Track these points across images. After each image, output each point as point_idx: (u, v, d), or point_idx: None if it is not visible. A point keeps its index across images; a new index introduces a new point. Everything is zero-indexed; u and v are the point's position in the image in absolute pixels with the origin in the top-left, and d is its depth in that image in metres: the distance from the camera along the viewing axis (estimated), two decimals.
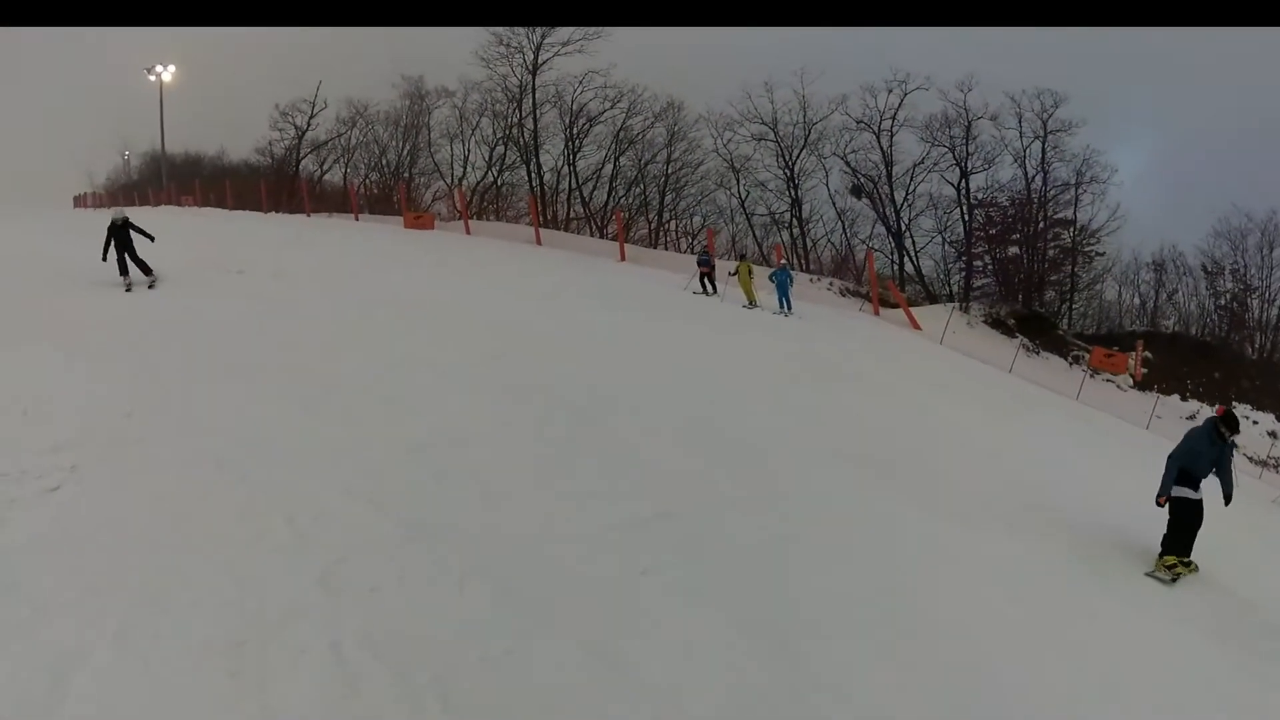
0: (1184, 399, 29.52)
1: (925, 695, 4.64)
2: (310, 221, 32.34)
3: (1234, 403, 28.01)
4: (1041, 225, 37.16)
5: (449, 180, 42.13)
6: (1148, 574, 7.74)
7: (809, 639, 4.97)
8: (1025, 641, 5.69)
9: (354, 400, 8.42)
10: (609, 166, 41.28)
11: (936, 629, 5.48)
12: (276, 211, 35.68)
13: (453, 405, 8.65)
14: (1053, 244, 37.39)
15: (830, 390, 13.34)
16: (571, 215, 41.32)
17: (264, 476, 6.23)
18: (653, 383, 11.20)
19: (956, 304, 32.43)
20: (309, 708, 3.72)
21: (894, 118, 38.88)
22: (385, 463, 6.84)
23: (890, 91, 38.61)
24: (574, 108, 40.63)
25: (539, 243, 31.07)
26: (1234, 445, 8.15)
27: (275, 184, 39.52)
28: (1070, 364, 29.54)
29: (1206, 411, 26.94)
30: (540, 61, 40.30)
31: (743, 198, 41.21)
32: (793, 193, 40.53)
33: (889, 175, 39.39)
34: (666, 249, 38.76)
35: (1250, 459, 23.47)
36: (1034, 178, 37.47)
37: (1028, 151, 37.45)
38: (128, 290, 13.09)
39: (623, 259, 29.90)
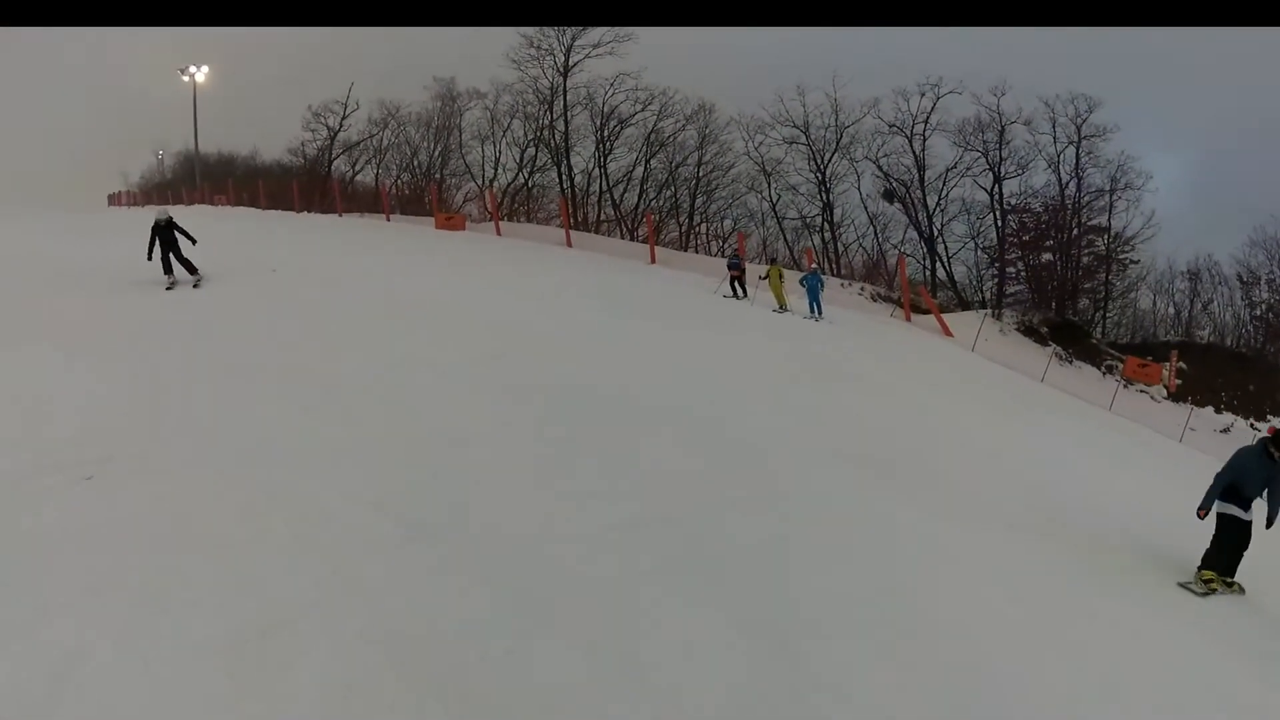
0: (1218, 411, 29.49)
1: (926, 695, 4.72)
2: (342, 221, 33.26)
3: (1269, 416, 27.99)
4: (1075, 232, 37.25)
5: (480, 182, 43.15)
6: (1181, 584, 7.78)
7: (809, 639, 5.05)
8: (1027, 641, 5.79)
9: (372, 401, 8.60)
10: (640, 169, 42.01)
11: (951, 637, 5.50)
12: (309, 211, 36.65)
13: (472, 406, 8.79)
14: (1087, 251, 37.39)
15: (861, 398, 13.35)
16: (602, 217, 42.13)
17: (286, 474, 6.47)
18: (679, 387, 11.23)
19: (989, 311, 32.56)
20: (311, 706, 3.85)
21: (927, 121, 39.35)
22: (418, 461, 7.07)
23: (923, 95, 39.13)
24: (605, 110, 41.49)
25: (569, 245, 31.54)
26: None
27: (308, 184, 40.59)
28: (1103, 373, 29.63)
29: (1241, 424, 27.35)
30: (571, 64, 41.21)
31: (774, 201, 41.73)
32: (824, 196, 40.97)
33: (921, 180, 39.71)
34: (697, 252, 39.29)
35: None
36: (1068, 183, 37.69)
37: (1061, 157, 37.72)
38: (168, 289, 13.51)
39: (653, 261, 30.13)
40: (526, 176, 42.60)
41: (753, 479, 8.11)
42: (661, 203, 42.02)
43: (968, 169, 39.02)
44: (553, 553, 5.68)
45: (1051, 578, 7.22)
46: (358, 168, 44.13)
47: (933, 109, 39.14)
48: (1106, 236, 37.19)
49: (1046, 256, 37.55)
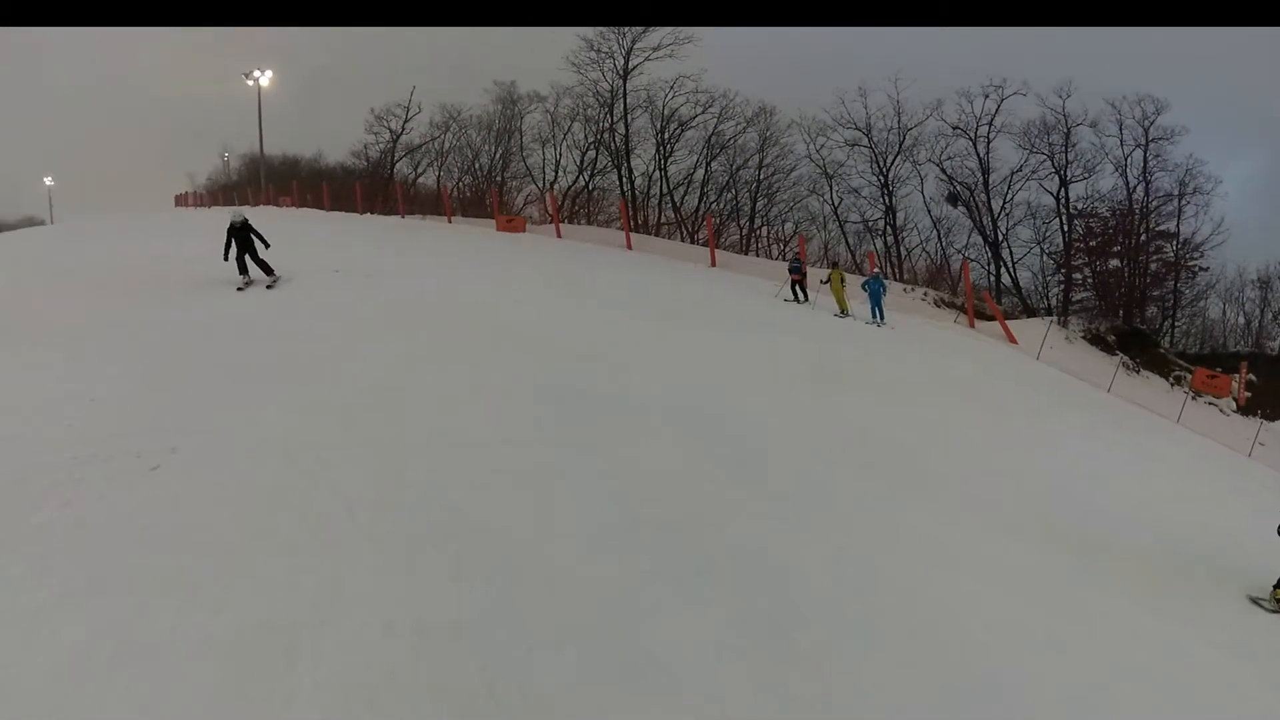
0: None
1: (926, 695, 4.83)
2: (405, 223, 34.53)
3: None
4: (1143, 238, 37.16)
5: (541, 184, 44.31)
6: (1251, 598, 7.98)
7: (810, 638, 5.15)
8: (1059, 656, 5.79)
9: (430, 400, 8.83)
10: (700, 171, 42.84)
11: (975, 650, 5.54)
12: (371, 213, 38.04)
13: (511, 410, 8.87)
14: (1155, 258, 37.26)
15: (922, 407, 13.18)
16: (662, 220, 42.96)
17: (335, 469, 6.78)
18: (744, 390, 11.27)
19: (1055, 318, 32.38)
20: (356, 689, 4.08)
21: (991, 123, 39.65)
22: (452, 459, 7.31)
23: (987, 97, 39.49)
24: (665, 112, 42.41)
25: (629, 247, 32.17)
26: None
27: (370, 186, 42.19)
28: (1171, 384, 29.35)
29: None
30: (631, 66, 42.26)
31: (836, 204, 42.26)
32: (887, 200, 41.38)
33: (986, 183, 39.87)
34: (758, 255, 39.87)
35: None
36: (1135, 188, 37.70)
37: (1129, 160, 37.77)
38: (239, 290, 14.08)
39: (713, 264, 30.65)
40: (587, 179, 43.76)
41: (806, 498, 8.01)
42: (722, 206, 42.82)
43: (1033, 172, 39.18)
44: (602, 557, 5.83)
45: (1095, 592, 7.24)
46: (420, 170, 45.70)
47: (997, 110, 39.45)
48: (1175, 243, 37.05)
49: (1114, 263, 37.46)
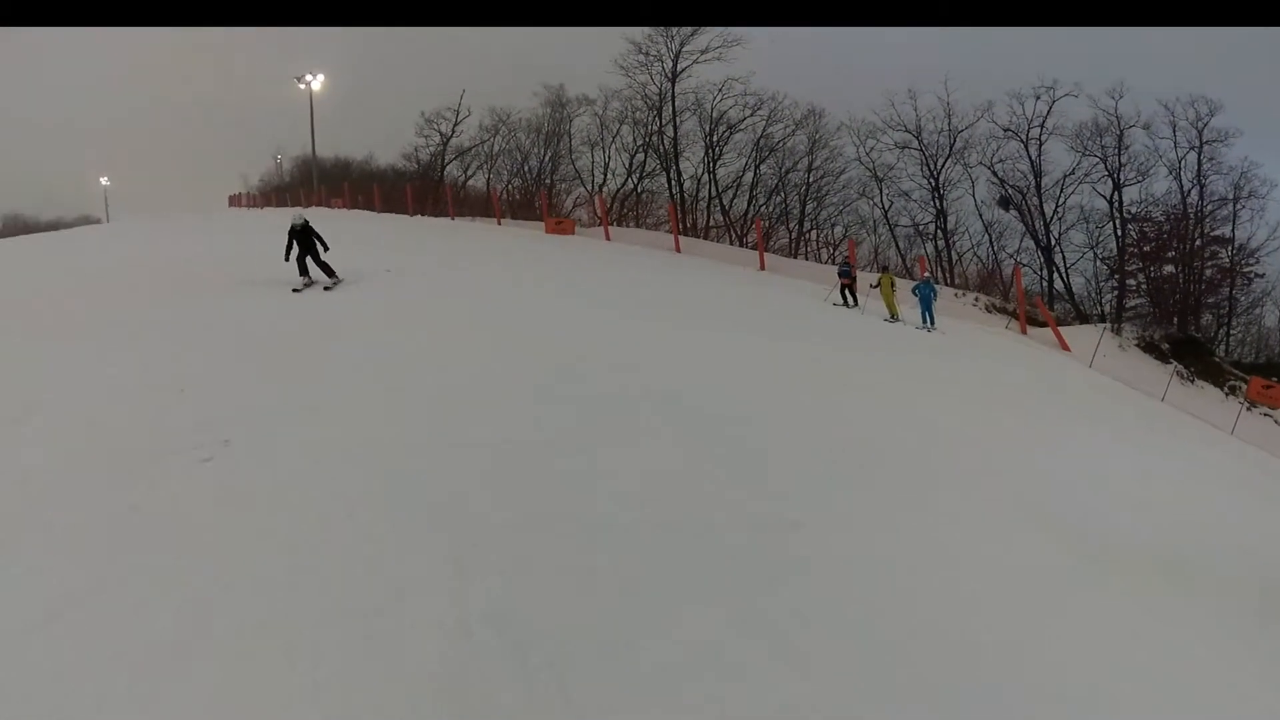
0: None
1: (928, 696, 4.82)
2: (454, 225, 35.23)
3: None
4: (1198, 243, 37.34)
5: (589, 187, 45.71)
6: None
7: (810, 638, 5.17)
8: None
9: (488, 400, 8.87)
10: (749, 174, 43.89)
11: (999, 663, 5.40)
12: (422, 214, 39.17)
13: (543, 414, 8.68)
14: (1210, 263, 37.40)
15: (974, 416, 12.89)
16: (711, 223, 43.85)
17: (403, 463, 6.93)
18: (787, 396, 11.10)
19: (1108, 325, 31.77)
20: (356, 689, 4.15)
21: (1043, 125, 40.21)
22: (516, 455, 7.36)
23: (1038, 98, 40.08)
24: (714, 115, 43.49)
25: (678, 250, 32.64)
26: None
27: (421, 188, 43.56)
28: (1226, 394, 28.87)
29: None
30: (679, 69, 43.36)
31: (886, 208, 43.13)
32: (937, 203, 42.07)
33: (1038, 186, 40.36)
34: (807, 259, 40.41)
35: None
36: (1189, 191, 37.97)
37: (1182, 163, 38.07)
38: (295, 291, 14.08)
39: (762, 268, 31.07)
40: (636, 182, 44.99)
41: (847, 508, 7.67)
42: (771, 209, 43.86)
43: (1086, 175, 39.68)
44: (553, 551, 5.84)
45: (1119, 598, 7.11)
46: (469, 173, 47.40)
47: (1048, 112, 40.04)
48: (1230, 248, 37.24)
49: (1168, 268, 37.75)
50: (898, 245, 42.82)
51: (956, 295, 33.51)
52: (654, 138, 44.21)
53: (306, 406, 8.20)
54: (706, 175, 44.02)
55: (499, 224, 36.79)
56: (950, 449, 10.40)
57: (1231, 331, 37.32)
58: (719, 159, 43.82)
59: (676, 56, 42.91)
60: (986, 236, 41.64)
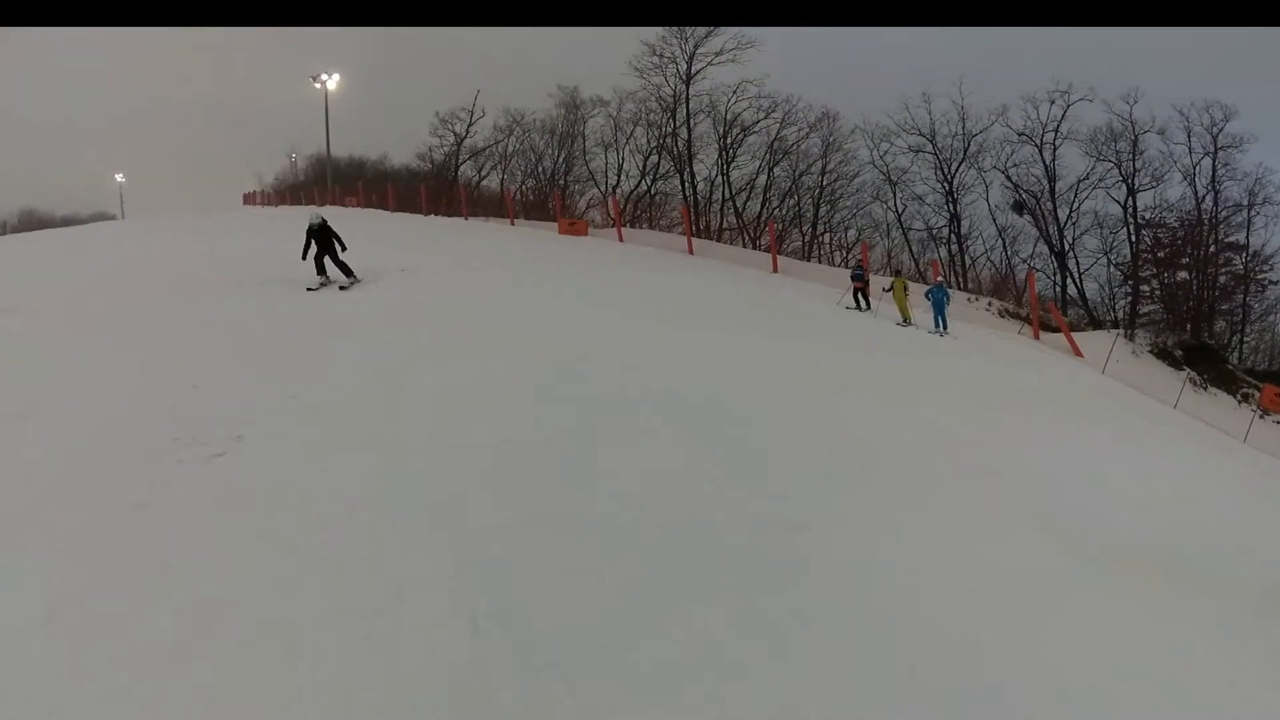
0: None
1: (928, 696, 4.83)
2: (468, 225, 35.21)
3: None
4: (1212, 249, 37.27)
5: (603, 188, 45.84)
6: None
7: (810, 638, 5.17)
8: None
9: (488, 399, 8.88)
10: (763, 177, 43.91)
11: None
12: (435, 214, 39.23)
13: (543, 414, 8.66)
14: (1224, 270, 37.35)
15: (987, 418, 12.89)
16: (724, 225, 43.94)
17: (403, 462, 6.95)
18: (786, 397, 11.00)
19: (1121, 331, 31.91)
20: (356, 689, 4.16)
21: (1057, 130, 40.18)
22: (516, 455, 7.37)
23: (1053, 103, 40.04)
24: (728, 117, 43.56)
25: (691, 252, 32.57)
26: None
27: (434, 188, 43.76)
28: (1239, 402, 28.71)
29: None
30: (693, 71, 43.47)
31: (899, 211, 43.11)
32: (951, 207, 42.02)
33: (1052, 191, 40.31)
34: (820, 262, 40.35)
35: None
36: (1204, 197, 37.87)
37: (1197, 169, 37.99)
38: (309, 290, 14.10)
39: (775, 270, 30.85)
40: (649, 183, 45.05)
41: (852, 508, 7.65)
42: (784, 211, 43.88)
43: (1100, 180, 39.59)
44: (554, 550, 5.84)
45: (1121, 598, 7.05)
46: (483, 173, 47.52)
47: (1063, 117, 40.01)
48: (1244, 254, 37.18)
49: (1182, 275, 37.65)
50: (911, 249, 42.86)
51: (970, 300, 33.56)
52: (668, 140, 44.30)
53: (307, 406, 8.26)
54: (720, 177, 44.09)
55: (512, 224, 36.76)
56: (952, 449, 10.42)
57: (1245, 339, 37.32)
58: (733, 161, 43.92)
59: (691, 59, 43.07)
60: (1000, 241, 41.60)
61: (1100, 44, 38.19)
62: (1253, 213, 36.93)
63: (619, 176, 45.55)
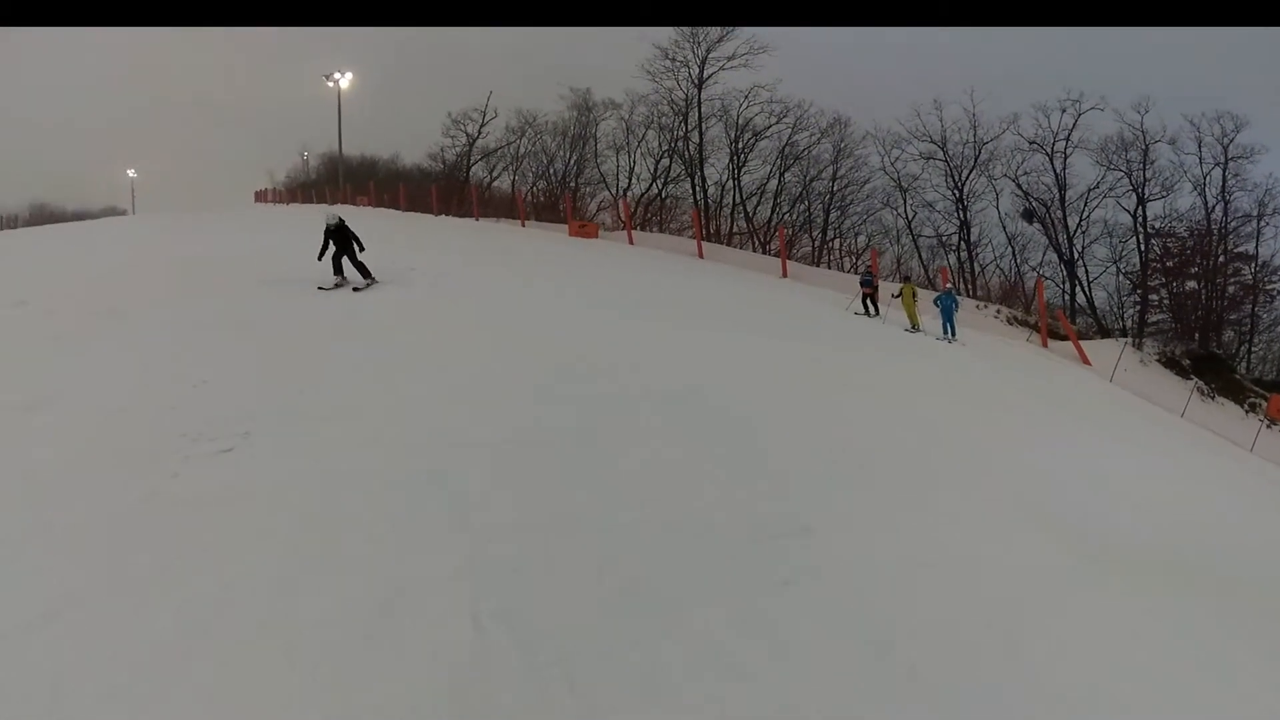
0: None
1: (928, 696, 4.80)
2: (479, 225, 35.09)
3: None
4: (1221, 259, 37.32)
5: (614, 191, 46.23)
6: None
7: (810, 638, 5.14)
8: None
9: (489, 399, 8.85)
10: (774, 182, 44.14)
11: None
12: (446, 214, 39.43)
13: (544, 415, 8.61)
14: (1233, 280, 37.44)
15: (991, 424, 12.81)
16: (734, 230, 44.18)
17: (425, 459, 6.99)
18: (788, 398, 10.95)
19: (1129, 339, 31.64)
20: (357, 689, 4.14)
21: (1068, 139, 40.34)
22: (517, 455, 7.35)
23: (1064, 111, 40.21)
24: (739, 122, 43.82)
25: (701, 256, 32.64)
26: None
27: (446, 188, 43.85)
28: (1246, 411, 28.68)
29: None
30: (706, 76, 43.68)
31: (909, 218, 43.28)
32: (961, 214, 42.19)
33: (1062, 199, 40.43)
34: (829, 268, 40.43)
35: None
36: (1214, 207, 38.05)
37: (1207, 179, 38.17)
38: (320, 289, 13.86)
39: (784, 275, 30.88)
40: (660, 187, 45.30)
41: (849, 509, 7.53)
42: (795, 217, 44.10)
43: (1110, 189, 39.73)
44: (554, 551, 5.80)
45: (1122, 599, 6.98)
46: (495, 174, 47.88)
47: (1074, 126, 40.14)
48: (1253, 265, 37.32)
49: (1191, 284, 37.70)
50: (920, 256, 43.00)
51: (978, 307, 33.58)
52: (679, 143, 44.52)
53: (314, 404, 8.25)
54: (731, 182, 44.34)
55: (523, 226, 36.91)
56: (953, 450, 10.44)
57: (1253, 349, 37.38)
58: (744, 166, 44.13)
59: (703, 63, 43.28)
60: (1010, 249, 41.78)
61: (1109, 48, 38.10)
62: (1262, 223, 37.12)
63: (630, 179, 46.01)
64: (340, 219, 14.76)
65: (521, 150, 46.84)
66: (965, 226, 41.77)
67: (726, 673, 4.67)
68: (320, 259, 14.49)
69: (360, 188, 45.38)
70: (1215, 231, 37.56)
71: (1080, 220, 40.09)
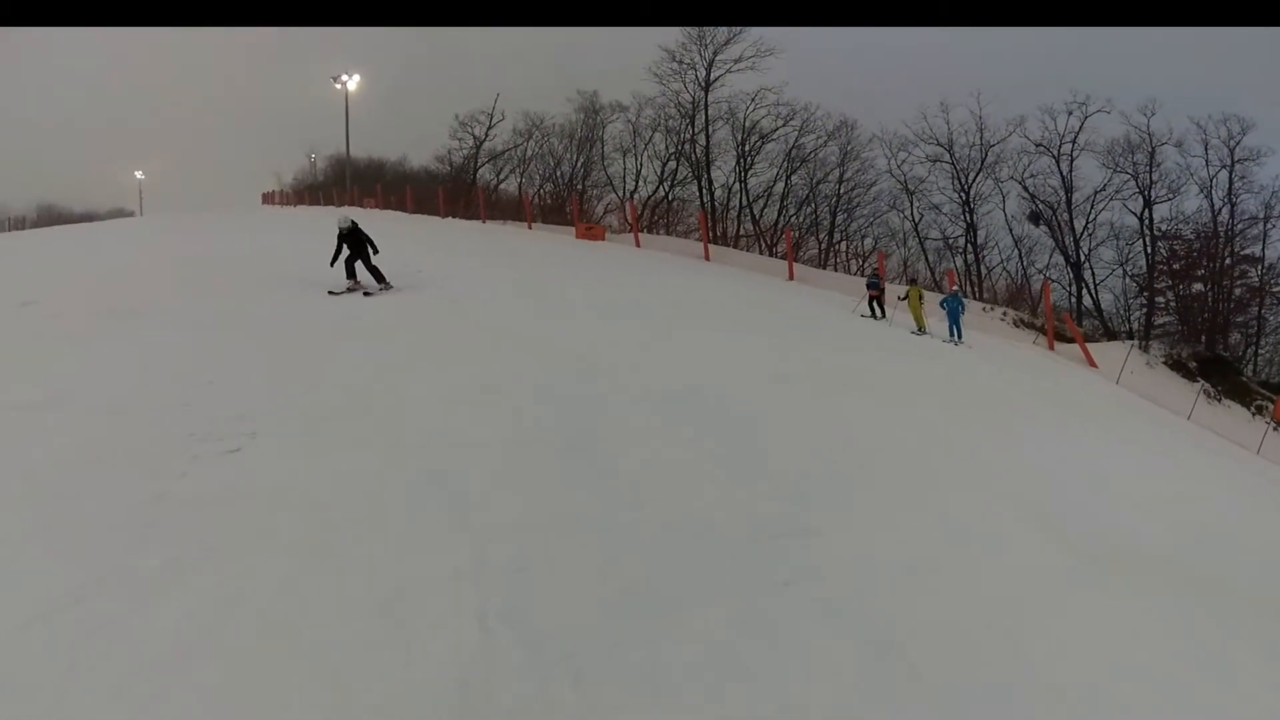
0: None
1: (928, 696, 4.78)
2: (486, 227, 35.12)
3: None
4: (1227, 261, 37.32)
5: (621, 193, 46.22)
6: None
7: (809, 637, 5.12)
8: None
9: (513, 400, 8.89)
10: (780, 184, 44.30)
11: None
12: (453, 217, 39.58)
13: (541, 414, 8.62)
14: (1239, 282, 37.42)
15: (997, 426, 12.77)
16: (741, 232, 44.27)
17: (428, 460, 6.99)
18: (789, 399, 10.90)
19: (1136, 342, 31.65)
20: (357, 689, 4.13)
21: (1074, 141, 40.40)
22: (517, 455, 7.36)
23: (1070, 114, 40.38)
24: (746, 125, 43.97)
25: (707, 258, 32.62)
26: None
27: (453, 190, 44.01)
28: (1253, 414, 28.56)
29: None
30: (713, 78, 43.79)
31: (916, 220, 43.49)
32: (968, 217, 42.29)
33: (1069, 202, 40.49)
34: (836, 270, 40.53)
35: None
36: (1220, 210, 38.02)
37: (1214, 181, 38.20)
38: (331, 293, 13.65)
39: (791, 278, 30.78)
40: (667, 189, 45.47)
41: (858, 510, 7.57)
42: (801, 219, 44.22)
43: (1117, 192, 39.83)
44: (554, 551, 5.78)
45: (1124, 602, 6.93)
46: (502, 176, 48.00)
47: (1080, 128, 40.25)
48: (1260, 267, 37.28)
49: (1197, 287, 37.73)
50: (927, 258, 43.17)
51: (985, 309, 33.83)
52: (686, 146, 44.70)
53: (319, 404, 8.27)
54: (737, 184, 44.50)
55: (529, 228, 36.96)
56: (953, 450, 10.45)
57: (1260, 351, 37.31)
58: (750, 168, 44.31)
59: (710, 65, 43.36)
60: (1016, 251, 41.97)
61: (1110, 48, 38.06)
62: (1268, 226, 37.09)
63: (637, 182, 46.13)
64: (353, 222, 14.51)
65: (528, 153, 47.06)
66: (971, 229, 41.94)
67: (727, 672, 4.64)
68: (333, 264, 14.15)
69: (367, 190, 45.48)
70: (1222, 234, 37.54)
71: (1087, 223, 40.23)
